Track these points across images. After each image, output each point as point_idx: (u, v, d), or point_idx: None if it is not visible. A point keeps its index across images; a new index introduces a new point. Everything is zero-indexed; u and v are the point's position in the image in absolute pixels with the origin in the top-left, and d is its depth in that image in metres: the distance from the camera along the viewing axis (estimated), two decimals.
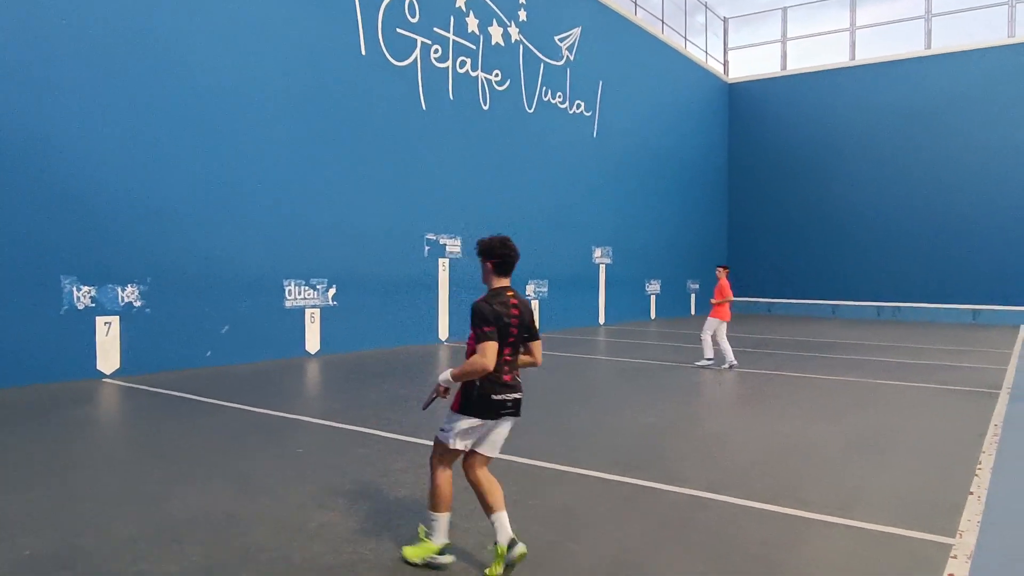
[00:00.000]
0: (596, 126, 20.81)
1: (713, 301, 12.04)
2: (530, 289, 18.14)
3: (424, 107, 14.97)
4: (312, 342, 12.71)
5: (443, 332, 15.52)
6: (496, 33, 16.95)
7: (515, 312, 3.66)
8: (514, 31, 17.53)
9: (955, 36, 26.57)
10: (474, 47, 16.31)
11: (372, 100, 13.79)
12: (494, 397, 3.61)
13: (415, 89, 14.78)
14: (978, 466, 5.86)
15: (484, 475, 3.74)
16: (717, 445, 6.55)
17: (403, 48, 14.48)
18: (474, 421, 3.65)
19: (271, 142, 12.02)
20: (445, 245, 15.54)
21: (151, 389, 9.09)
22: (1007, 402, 8.98)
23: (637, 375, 11.31)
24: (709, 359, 12.00)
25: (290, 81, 12.31)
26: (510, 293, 3.74)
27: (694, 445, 6.59)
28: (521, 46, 17.82)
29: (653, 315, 23.93)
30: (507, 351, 3.65)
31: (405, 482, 5.23)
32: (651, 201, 23.69)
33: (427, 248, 15.10)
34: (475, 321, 3.56)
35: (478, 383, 3.58)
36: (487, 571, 3.55)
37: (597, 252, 20.95)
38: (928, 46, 26.42)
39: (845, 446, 6.57)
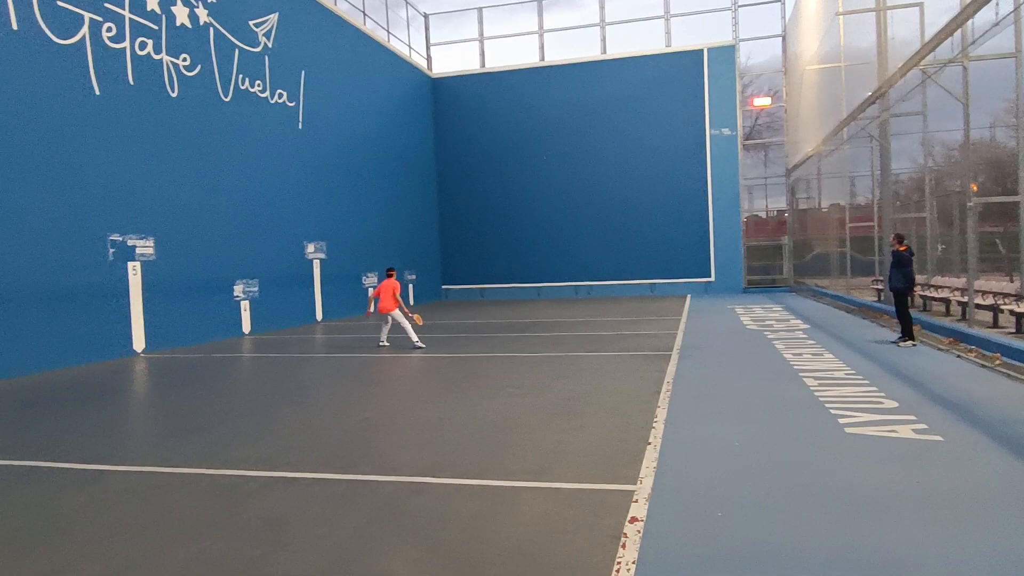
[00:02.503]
0: (301, 117, 20.11)
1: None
2: (239, 290, 17.05)
3: (98, 92, 13.27)
4: None
5: (138, 343, 13.97)
6: (181, 13, 15.55)
7: None
8: (202, 13, 16.22)
9: (625, 43, 29.99)
10: (156, 27, 14.80)
11: (28, 82, 11.87)
12: None
13: (85, 71, 13.03)
14: (655, 419, 6.68)
15: None
16: (431, 430, 6.68)
17: (67, 24, 12.66)
18: None
19: None
20: (135, 247, 13.97)
21: None
22: (676, 361, 10.38)
23: (353, 370, 11.18)
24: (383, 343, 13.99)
25: None
26: None
27: (409, 433, 6.65)
28: (212, 29, 16.56)
29: (372, 308, 23.83)
30: None
31: (87, 518, 4.58)
32: (364, 194, 23.56)
33: (112, 251, 13.45)
34: None
35: None
36: None
37: (310, 247, 20.32)
38: (604, 51, 29.50)
39: (546, 415, 7.09)
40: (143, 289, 14.10)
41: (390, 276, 13.92)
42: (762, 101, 29.44)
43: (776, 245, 31.00)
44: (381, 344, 13.84)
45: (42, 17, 12.17)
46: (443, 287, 30.78)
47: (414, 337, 13.46)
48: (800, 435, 6.01)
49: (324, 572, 3.61)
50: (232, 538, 4.10)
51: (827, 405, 7.08)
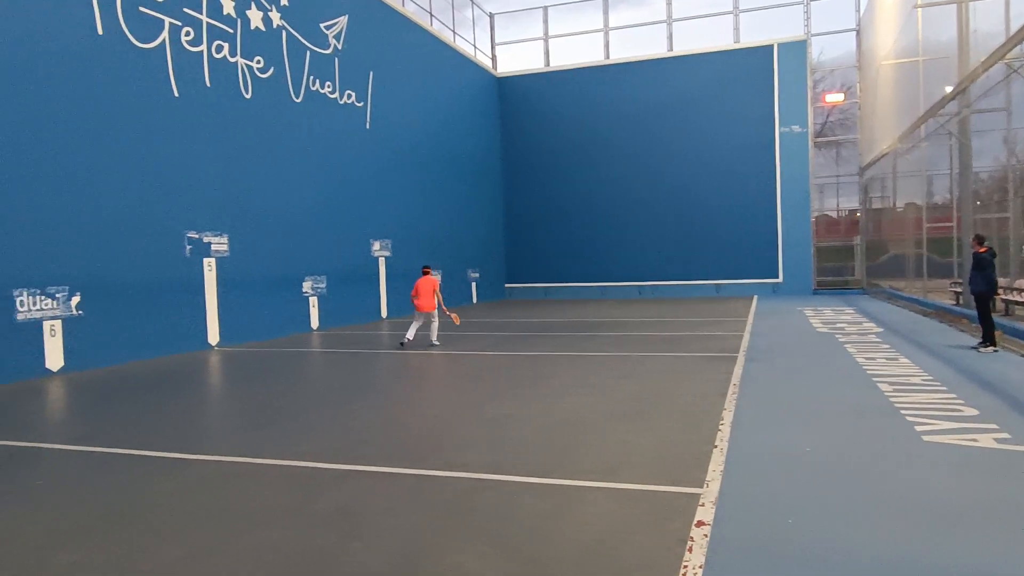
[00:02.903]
0: (369, 117, 20.50)
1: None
2: (308, 286, 17.50)
3: (176, 94, 13.80)
4: (54, 359, 11.26)
5: (212, 337, 14.49)
6: (255, 17, 16.04)
7: None
8: (275, 16, 16.70)
9: (692, 40, 29.54)
10: (231, 31, 15.31)
11: (113, 85, 12.45)
12: None
13: (165, 74, 13.57)
14: (721, 422, 6.58)
15: None
16: (497, 428, 6.74)
17: (148, 29, 13.22)
18: None
19: None
20: (210, 243, 14.49)
21: None
22: (743, 364, 10.19)
23: (420, 367, 11.35)
24: (434, 343, 13.68)
25: (7, 60, 10.72)
26: None
27: (476, 430, 6.72)
28: (284, 32, 17.04)
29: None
30: None
31: (168, 504, 4.79)
32: (429, 192, 23.86)
33: (188, 247, 13.98)
34: None
35: None
36: None
37: (376, 245, 20.70)
38: (670, 48, 29.13)
39: (613, 416, 7.07)
40: (217, 284, 14.62)
41: (426, 274, 13.71)
42: (834, 97, 28.60)
43: (848, 246, 30.08)
44: (405, 342, 13.48)
45: (125, 22, 12.73)
46: (507, 286, 30.91)
47: (434, 336, 13.54)
48: (875, 442, 5.84)
49: (395, 563, 3.69)
50: (306, 527, 4.23)
51: (903, 411, 6.85)
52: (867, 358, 10.46)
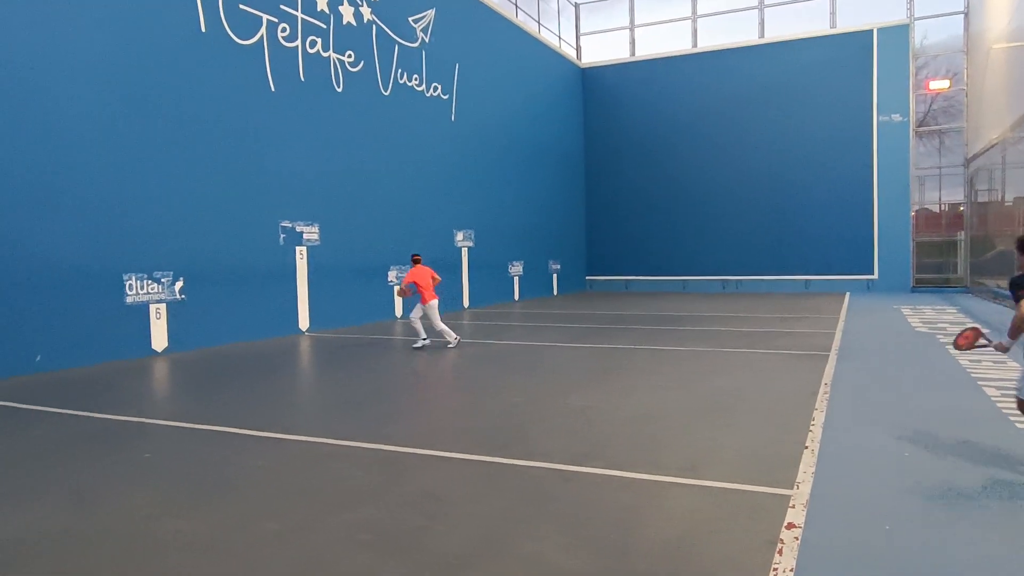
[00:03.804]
0: (454, 109, 20.73)
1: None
2: (392, 275, 17.88)
3: (273, 88, 14.31)
4: (159, 340, 11.91)
5: (303, 323, 15.00)
6: (347, 12, 16.45)
7: None
8: (366, 11, 17.07)
9: (785, 26, 28.50)
10: (324, 26, 15.75)
11: (215, 80, 13.02)
12: None
13: (262, 69, 14.09)
14: (811, 422, 6.37)
15: None
16: (579, 419, 6.73)
17: (247, 26, 13.74)
18: None
19: (99, 126, 11.06)
20: (302, 232, 14.99)
21: None
22: (835, 363, 9.83)
23: (499, 357, 11.43)
24: (424, 340, 12.35)
25: (120, 59, 11.36)
26: None
27: (557, 421, 6.73)
28: (374, 27, 17.40)
29: (517, 296, 24.30)
30: None
31: (265, 480, 5.01)
32: (511, 183, 23.96)
33: (283, 236, 14.50)
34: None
35: None
36: None
37: (459, 235, 20.95)
38: (761, 35, 28.23)
39: (697, 411, 6.95)
40: (308, 272, 15.12)
41: (418, 262, 12.52)
42: (939, 84, 27.07)
43: (950, 241, 28.52)
44: (419, 346, 12.26)
45: (226, 20, 13.27)
46: (588, 278, 30.76)
47: (450, 334, 12.29)
48: (980, 450, 5.53)
49: (476, 548, 3.75)
50: (393, 508, 4.35)
51: (1012, 418, 6.47)
52: (971, 360, 9.91)
